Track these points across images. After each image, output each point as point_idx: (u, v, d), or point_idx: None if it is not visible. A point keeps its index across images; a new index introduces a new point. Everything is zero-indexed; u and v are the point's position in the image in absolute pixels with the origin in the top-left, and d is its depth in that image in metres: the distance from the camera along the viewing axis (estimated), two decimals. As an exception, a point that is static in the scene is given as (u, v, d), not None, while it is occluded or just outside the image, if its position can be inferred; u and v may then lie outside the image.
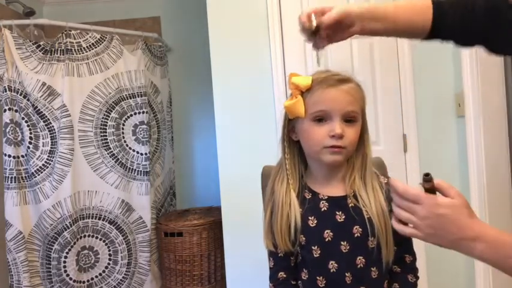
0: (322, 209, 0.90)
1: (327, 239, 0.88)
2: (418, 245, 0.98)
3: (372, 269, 0.89)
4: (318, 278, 0.89)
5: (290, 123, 0.94)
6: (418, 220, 0.63)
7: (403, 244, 0.94)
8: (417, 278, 0.95)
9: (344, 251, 0.88)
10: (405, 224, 0.66)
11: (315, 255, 0.88)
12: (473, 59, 1.77)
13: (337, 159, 0.87)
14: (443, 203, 0.62)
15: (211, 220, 2.27)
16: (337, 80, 0.87)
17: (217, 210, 2.22)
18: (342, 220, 0.89)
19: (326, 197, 0.91)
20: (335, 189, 0.92)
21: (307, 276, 0.91)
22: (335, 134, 0.84)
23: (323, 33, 0.80)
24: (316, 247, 0.88)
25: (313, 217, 0.90)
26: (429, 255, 1.91)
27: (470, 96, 1.78)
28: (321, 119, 0.87)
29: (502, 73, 1.78)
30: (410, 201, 0.64)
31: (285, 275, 0.93)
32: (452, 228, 0.61)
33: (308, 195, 0.93)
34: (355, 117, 0.88)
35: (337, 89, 0.86)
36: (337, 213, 0.89)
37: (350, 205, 0.89)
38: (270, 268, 0.96)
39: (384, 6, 0.82)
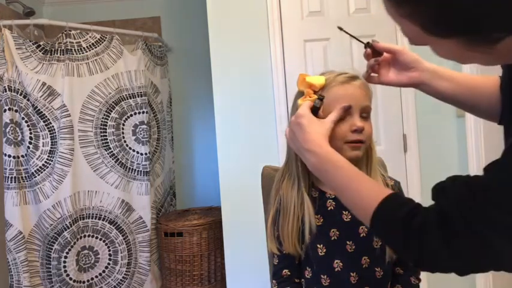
0: (329, 208, 0.91)
1: (332, 238, 0.89)
2: (418, 245, 0.98)
3: (376, 269, 0.89)
4: (322, 276, 0.89)
5: None
6: (291, 122, 0.78)
7: None
8: (419, 280, 0.95)
9: (349, 250, 0.88)
10: None
11: (320, 254, 0.89)
12: (473, 59, 1.77)
13: (358, 154, 0.87)
14: (306, 115, 0.76)
15: (211, 220, 2.27)
16: (349, 77, 0.89)
17: (217, 210, 2.22)
18: (348, 220, 0.89)
19: (333, 196, 0.91)
20: None
21: (310, 275, 0.91)
22: (357, 128, 0.85)
23: (376, 62, 0.84)
24: (321, 245, 0.89)
25: (319, 216, 0.90)
26: (429, 255, 1.91)
27: (470, 96, 1.78)
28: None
29: (502, 73, 1.78)
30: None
31: (289, 273, 0.93)
32: (300, 136, 0.75)
33: (315, 194, 0.93)
34: (369, 112, 0.90)
35: (351, 85, 0.88)
36: (344, 212, 0.90)
37: None
38: (274, 265, 0.96)
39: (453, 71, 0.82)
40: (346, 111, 0.86)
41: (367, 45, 0.85)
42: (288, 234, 0.90)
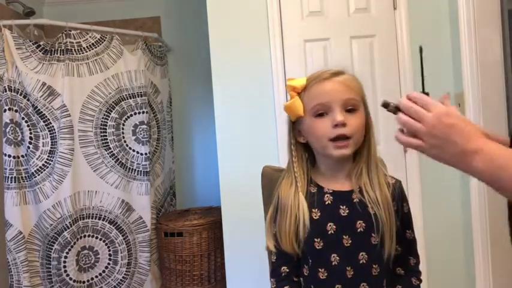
0: (326, 202, 0.91)
1: (329, 232, 0.89)
2: (418, 246, 0.98)
3: (374, 266, 0.89)
4: (319, 270, 0.89)
5: (295, 127, 0.94)
6: (426, 128, 0.60)
7: (407, 247, 0.94)
8: (420, 281, 0.95)
9: (346, 245, 0.88)
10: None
11: (317, 247, 0.89)
12: (473, 59, 1.77)
13: (345, 152, 0.87)
14: (453, 112, 0.59)
15: (211, 220, 2.27)
16: (331, 74, 0.89)
17: (217, 210, 2.22)
18: (346, 214, 0.89)
19: (331, 191, 0.92)
20: (341, 185, 0.93)
21: (308, 272, 0.91)
22: (337, 123, 0.84)
23: None
24: (318, 239, 0.89)
25: (316, 209, 0.90)
26: (429, 255, 1.91)
27: (470, 96, 1.78)
28: (322, 113, 0.87)
29: (502, 73, 1.79)
30: (420, 105, 0.61)
31: (287, 270, 0.94)
32: (459, 138, 0.58)
33: (313, 189, 0.93)
34: (355, 105, 0.87)
35: (331, 80, 0.88)
36: (341, 207, 0.90)
37: (355, 200, 0.90)
38: (272, 263, 0.96)
39: None
40: (327, 108, 0.86)
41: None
42: (285, 232, 0.90)
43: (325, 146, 0.88)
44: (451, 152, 0.60)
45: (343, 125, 0.84)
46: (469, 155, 0.58)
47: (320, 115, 0.87)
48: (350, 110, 0.87)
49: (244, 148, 1.97)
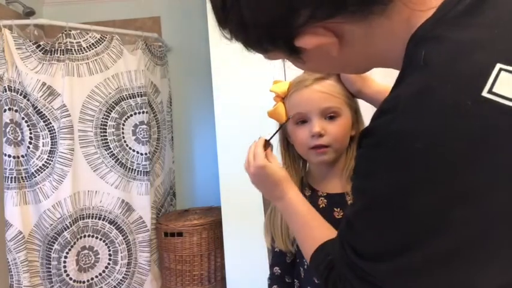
0: (321, 206, 0.91)
1: None
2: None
3: None
4: None
5: (285, 129, 0.96)
6: (250, 172, 0.88)
7: None
8: None
9: None
10: None
11: None
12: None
13: (324, 159, 0.87)
14: (270, 166, 0.84)
15: (211, 220, 2.27)
16: (314, 80, 0.87)
17: (217, 210, 2.22)
18: (340, 216, 0.89)
19: (325, 194, 0.92)
20: (334, 186, 0.92)
21: (303, 274, 0.92)
22: (314, 134, 0.84)
23: None
24: None
25: None
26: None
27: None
28: (303, 121, 0.88)
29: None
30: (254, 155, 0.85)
31: (279, 271, 0.96)
32: (268, 186, 0.84)
33: (308, 193, 0.93)
34: (336, 112, 0.86)
35: (310, 89, 0.87)
36: (335, 209, 0.89)
37: (349, 202, 0.89)
38: (270, 264, 0.99)
39: None
40: (305, 117, 0.86)
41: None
42: (278, 231, 0.92)
43: (305, 153, 0.89)
44: (266, 193, 0.88)
45: (320, 135, 0.84)
46: (275, 199, 0.83)
47: (302, 122, 0.88)
48: (331, 117, 0.86)
49: (244, 148, 1.96)
